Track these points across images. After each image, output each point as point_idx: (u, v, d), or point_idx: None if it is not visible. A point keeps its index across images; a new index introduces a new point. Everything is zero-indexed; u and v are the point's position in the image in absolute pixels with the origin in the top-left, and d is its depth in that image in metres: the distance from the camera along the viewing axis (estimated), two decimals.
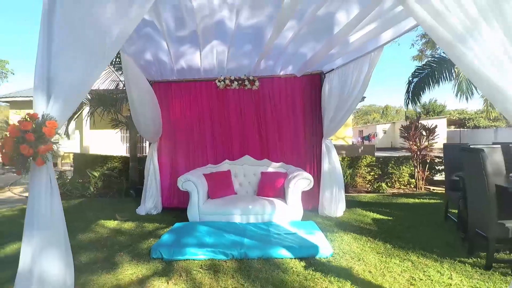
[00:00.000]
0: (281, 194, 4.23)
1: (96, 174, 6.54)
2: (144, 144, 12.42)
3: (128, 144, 13.50)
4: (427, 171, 6.87)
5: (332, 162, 4.59)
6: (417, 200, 5.60)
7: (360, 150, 11.97)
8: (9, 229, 4.01)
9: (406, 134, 7.02)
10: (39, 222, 1.69)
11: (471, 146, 3.57)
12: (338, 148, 9.12)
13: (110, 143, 12.83)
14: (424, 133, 6.92)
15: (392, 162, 7.06)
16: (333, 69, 4.52)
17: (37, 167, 1.69)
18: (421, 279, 2.51)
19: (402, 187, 6.93)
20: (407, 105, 8.28)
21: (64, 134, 7.41)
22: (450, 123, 27.70)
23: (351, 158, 7.13)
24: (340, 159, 6.49)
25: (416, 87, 7.74)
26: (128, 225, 4.16)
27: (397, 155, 7.88)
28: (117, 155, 7.91)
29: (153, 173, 4.90)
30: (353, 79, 4.15)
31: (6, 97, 14.63)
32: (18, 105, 14.15)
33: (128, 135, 13.13)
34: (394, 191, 6.57)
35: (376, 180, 6.95)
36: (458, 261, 2.84)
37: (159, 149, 5.09)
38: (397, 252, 3.09)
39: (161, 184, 4.98)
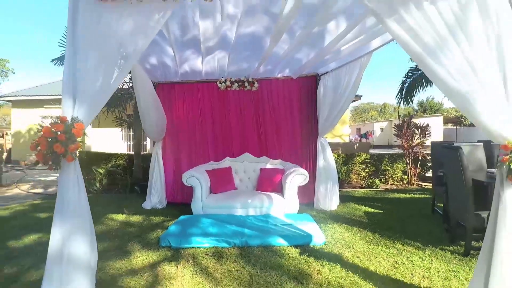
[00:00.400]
0: (279, 189, 4.50)
1: (101, 171, 6.79)
2: (145, 142, 12.65)
3: (129, 142, 13.76)
4: (419, 168, 7.17)
5: (326, 159, 4.87)
6: (408, 195, 5.88)
7: (355, 146, 12.26)
8: (24, 223, 4.27)
9: (399, 132, 7.32)
10: (68, 211, 1.94)
11: (454, 144, 3.86)
12: (335, 145, 9.39)
13: (112, 141, 13.08)
14: (416, 131, 7.22)
15: (386, 159, 7.32)
16: (327, 72, 4.80)
17: (67, 163, 1.96)
18: (403, 263, 2.79)
19: (395, 183, 7.21)
20: (399, 105, 8.56)
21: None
22: (446, 121, 27.84)
23: (347, 155, 7.38)
24: (336, 156, 6.77)
25: (409, 87, 8.02)
26: (136, 218, 4.43)
27: (392, 152, 8.15)
28: (120, 152, 8.14)
29: (158, 170, 5.17)
30: (345, 81, 4.45)
31: (8, 96, 14.82)
32: (19, 104, 14.37)
33: (129, 133, 13.44)
34: (387, 187, 6.85)
35: (370, 176, 7.21)
36: (439, 248, 3.12)
37: (163, 147, 5.35)
38: (384, 241, 3.38)
39: (165, 180, 5.26)
